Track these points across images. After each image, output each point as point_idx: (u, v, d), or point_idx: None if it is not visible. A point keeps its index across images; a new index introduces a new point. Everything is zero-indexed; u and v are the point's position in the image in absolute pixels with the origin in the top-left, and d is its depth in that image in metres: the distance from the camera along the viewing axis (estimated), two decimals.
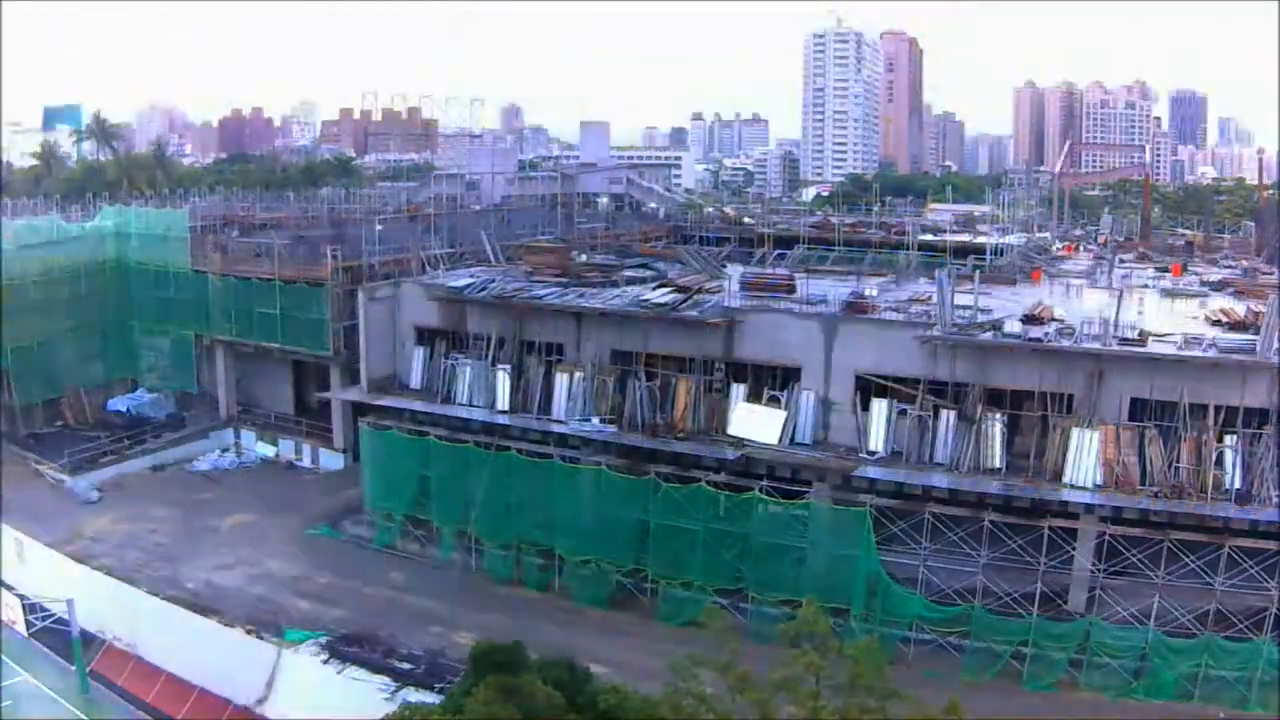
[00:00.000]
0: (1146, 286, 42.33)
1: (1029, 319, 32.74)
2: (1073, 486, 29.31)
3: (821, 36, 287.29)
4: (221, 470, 47.65)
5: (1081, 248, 57.59)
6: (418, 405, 37.84)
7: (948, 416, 31.05)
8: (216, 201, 71.64)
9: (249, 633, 30.39)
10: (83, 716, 27.72)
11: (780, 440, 32.43)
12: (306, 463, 48.18)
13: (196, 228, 54.78)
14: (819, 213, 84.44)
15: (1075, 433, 29.32)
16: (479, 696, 18.25)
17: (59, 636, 29.62)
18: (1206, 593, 27.90)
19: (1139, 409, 29.53)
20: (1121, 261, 49.25)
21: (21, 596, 31.44)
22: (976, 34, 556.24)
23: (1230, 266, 49.29)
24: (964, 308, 32.73)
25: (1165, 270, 46.64)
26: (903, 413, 31.56)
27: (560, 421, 35.10)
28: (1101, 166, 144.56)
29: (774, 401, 33.10)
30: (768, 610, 30.38)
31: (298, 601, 34.09)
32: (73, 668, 28.99)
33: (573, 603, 34.15)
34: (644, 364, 34.69)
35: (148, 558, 37.33)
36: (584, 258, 45.45)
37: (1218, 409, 28.61)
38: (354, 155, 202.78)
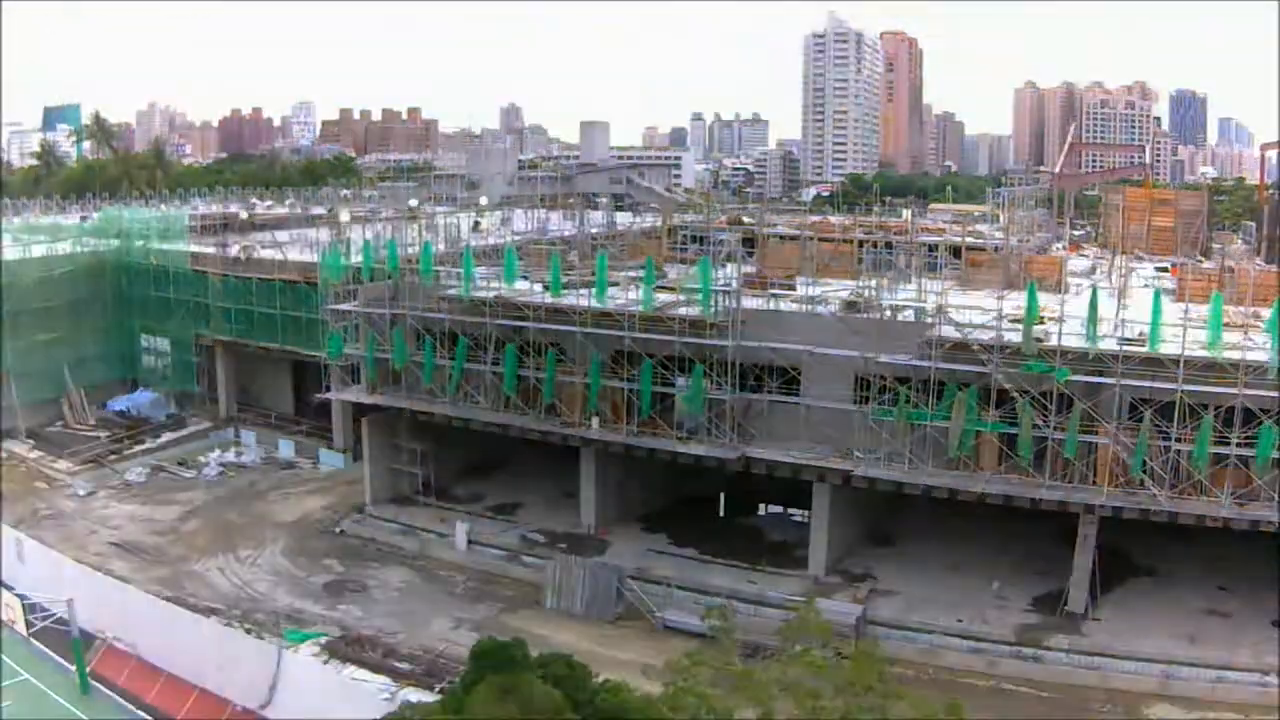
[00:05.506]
0: (1146, 286, 42.25)
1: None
2: (1073, 486, 29.33)
3: (821, 36, 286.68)
4: (221, 470, 47.57)
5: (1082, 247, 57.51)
6: (418, 404, 37.80)
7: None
8: (216, 206, 71.61)
9: (249, 633, 30.37)
10: (83, 716, 27.69)
11: None
12: (306, 463, 48.17)
13: (196, 228, 54.81)
14: (819, 214, 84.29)
15: (1075, 432, 29.31)
16: (479, 696, 18.21)
17: (59, 636, 29.57)
18: (1207, 592, 27.93)
19: (1139, 409, 29.53)
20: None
21: (21, 596, 31.38)
22: (976, 34, 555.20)
23: (1230, 268, 49.14)
24: (964, 307, 32.70)
25: (1164, 270, 46.58)
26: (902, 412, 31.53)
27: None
28: (1101, 166, 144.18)
29: None
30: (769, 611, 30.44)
31: (298, 601, 34.08)
32: (73, 668, 28.96)
33: None
34: (644, 364, 34.64)
35: (147, 557, 37.36)
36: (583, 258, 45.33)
37: (1217, 409, 28.59)
38: (354, 155, 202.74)
